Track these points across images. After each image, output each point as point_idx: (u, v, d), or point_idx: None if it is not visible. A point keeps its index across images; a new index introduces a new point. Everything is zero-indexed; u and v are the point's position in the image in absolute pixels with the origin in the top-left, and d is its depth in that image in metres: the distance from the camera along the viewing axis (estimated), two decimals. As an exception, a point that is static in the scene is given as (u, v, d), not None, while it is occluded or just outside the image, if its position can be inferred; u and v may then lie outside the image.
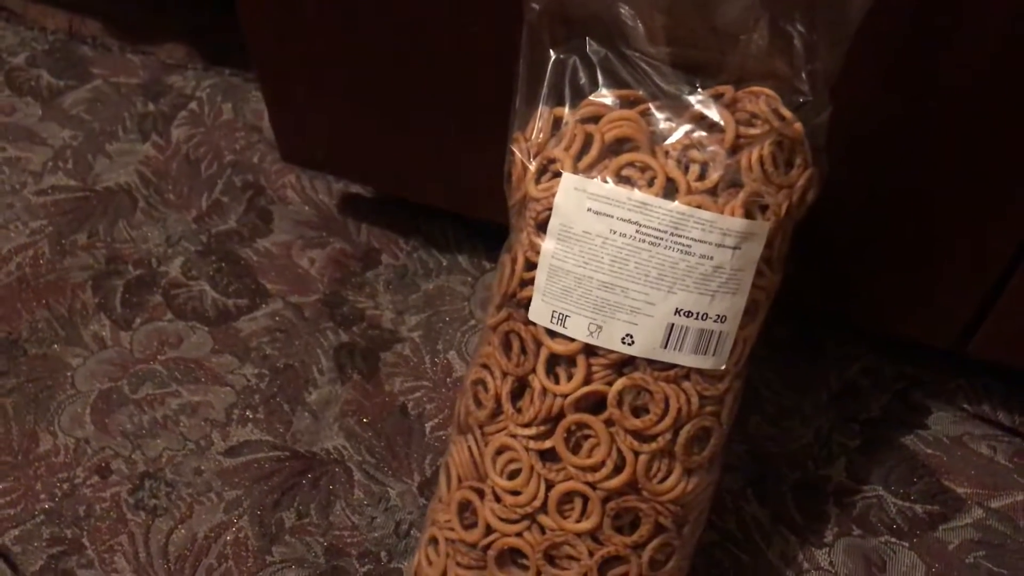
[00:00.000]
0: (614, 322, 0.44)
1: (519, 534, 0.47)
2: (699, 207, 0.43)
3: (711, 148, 0.44)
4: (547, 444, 0.46)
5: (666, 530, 0.48)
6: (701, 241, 0.43)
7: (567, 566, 0.47)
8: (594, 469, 0.46)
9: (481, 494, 0.49)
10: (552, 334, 0.45)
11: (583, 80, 0.46)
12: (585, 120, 0.46)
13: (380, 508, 0.63)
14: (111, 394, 0.69)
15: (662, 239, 0.43)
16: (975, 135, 0.51)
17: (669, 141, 0.44)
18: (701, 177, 0.44)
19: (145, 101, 0.91)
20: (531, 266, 0.46)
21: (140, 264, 0.78)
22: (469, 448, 0.49)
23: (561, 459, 0.46)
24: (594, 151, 0.45)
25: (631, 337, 0.44)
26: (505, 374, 0.47)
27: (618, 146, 0.45)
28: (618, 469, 0.46)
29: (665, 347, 0.44)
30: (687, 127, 0.44)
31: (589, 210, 0.44)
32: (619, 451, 0.46)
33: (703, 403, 0.46)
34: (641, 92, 0.45)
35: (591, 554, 0.47)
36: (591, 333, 0.45)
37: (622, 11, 0.43)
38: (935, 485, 0.65)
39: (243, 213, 0.81)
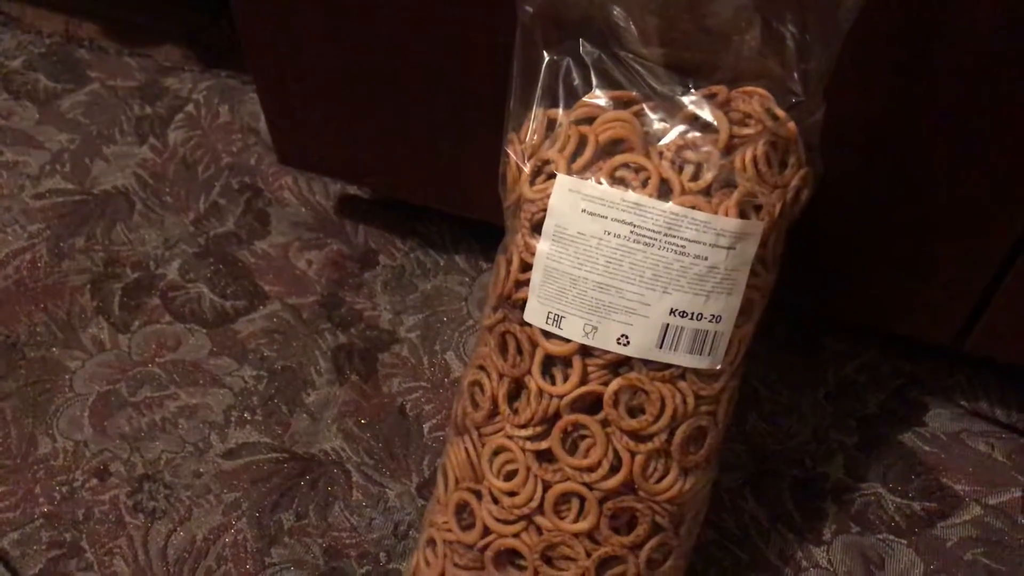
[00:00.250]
0: (609, 323, 0.44)
1: (516, 535, 0.48)
2: (693, 208, 0.43)
3: (705, 148, 0.44)
4: (544, 445, 0.46)
5: (663, 530, 0.48)
6: (695, 241, 0.43)
7: (564, 567, 0.47)
8: (591, 469, 0.46)
9: (478, 495, 0.49)
10: (548, 335, 0.46)
11: (577, 81, 0.46)
12: (579, 121, 0.46)
13: (379, 509, 0.64)
14: (110, 397, 0.69)
15: (656, 240, 0.43)
16: (969, 133, 0.51)
17: (663, 142, 0.44)
18: (695, 177, 0.44)
19: (142, 104, 0.91)
20: (526, 267, 0.46)
21: (138, 267, 0.78)
22: (466, 449, 0.49)
23: (558, 460, 0.46)
24: (588, 152, 0.45)
25: (626, 338, 0.44)
26: (501, 375, 0.48)
27: (612, 147, 0.45)
28: (615, 469, 0.46)
29: (660, 347, 0.44)
30: (681, 128, 0.44)
31: (584, 211, 0.44)
32: (615, 451, 0.46)
33: (699, 403, 0.46)
34: (635, 93, 0.45)
35: (588, 554, 0.47)
36: (586, 334, 0.45)
37: (614, 13, 0.43)
38: (933, 482, 0.65)
39: (240, 215, 0.81)
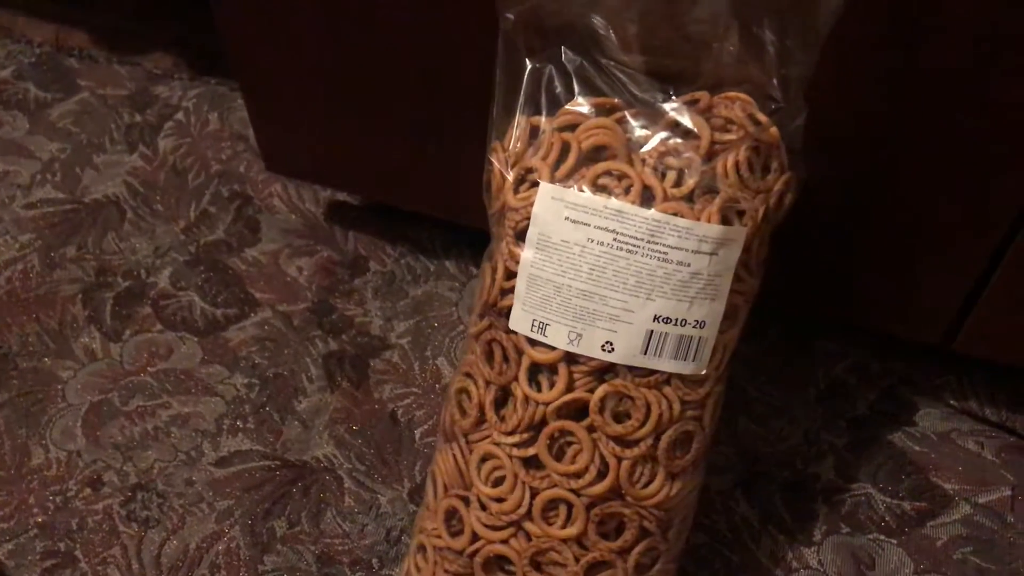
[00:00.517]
0: (594, 330, 0.44)
1: (505, 541, 0.48)
2: (675, 214, 0.43)
3: (687, 155, 0.44)
4: (530, 452, 0.47)
5: (651, 534, 0.48)
6: (678, 248, 0.43)
7: (553, 572, 0.47)
8: (577, 475, 0.46)
9: (467, 502, 0.49)
10: (533, 342, 0.46)
11: (559, 89, 0.46)
12: (562, 128, 0.46)
13: (371, 515, 0.64)
14: (102, 406, 0.70)
15: (639, 247, 0.43)
16: (954, 134, 0.51)
17: (645, 148, 0.44)
18: (678, 184, 0.44)
19: (132, 112, 0.91)
20: (511, 275, 0.46)
21: (129, 276, 0.78)
22: (454, 456, 0.50)
23: (545, 466, 0.46)
24: (571, 160, 0.45)
25: (611, 344, 0.44)
26: (488, 383, 0.48)
27: (596, 154, 0.45)
28: (601, 475, 0.46)
29: (645, 354, 0.45)
30: (663, 134, 0.45)
31: (567, 219, 0.44)
32: (602, 457, 0.46)
33: (684, 408, 0.46)
34: (617, 100, 0.46)
35: (577, 560, 0.47)
36: (571, 341, 0.45)
37: (595, 20, 0.43)
38: (923, 482, 0.65)
39: (231, 223, 0.81)
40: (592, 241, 0.44)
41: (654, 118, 0.45)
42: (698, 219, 0.43)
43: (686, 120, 0.44)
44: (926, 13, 0.47)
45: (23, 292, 0.77)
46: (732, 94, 0.46)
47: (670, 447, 0.46)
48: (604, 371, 0.45)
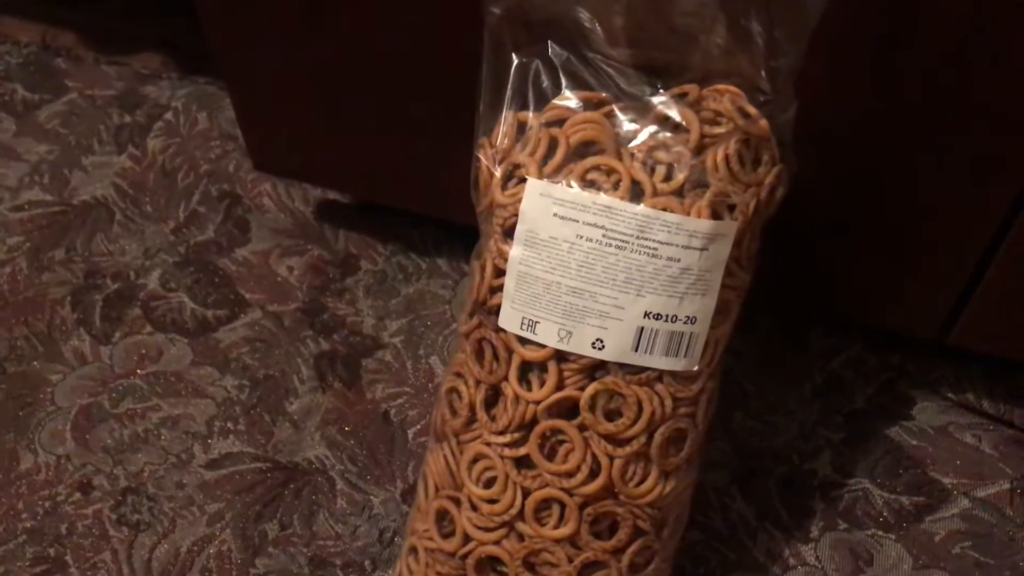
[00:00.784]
0: (584, 327, 0.44)
1: (497, 542, 0.47)
2: (665, 209, 0.43)
3: (676, 149, 0.44)
4: (522, 451, 0.46)
5: (645, 533, 0.48)
6: (667, 243, 0.43)
7: (546, 573, 0.47)
8: (569, 475, 0.45)
9: (458, 503, 0.48)
10: (523, 341, 0.45)
11: (546, 84, 0.45)
12: (550, 124, 0.45)
13: (363, 517, 0.63)
14: (91, 409, 0.69)
15: (628, 242, 0.43)
16: (945, 126, 0.51)
17: (634, 143, 0.44)
18: (667, 178, 0.44)
19: (121, 112, 0.90)
20: (500, 273, 0.46)
21: (118, 278, 0.77)
22: (445, 457, 0.49)
23: (536, 466, 0.46)
24: (559, 155, 0.44)
25: (601, 342, 0.44)
26: (478, 382, 0.47)
27: (584, 149, 0.44)
28: (593, 474, 0.45)
29: (636, 350, 0.44)
30: (652, 128, 0.44)
31: (555, 215, 0.43)
32: (594, 456, 0.45)
33: (677, 405, 0.46)
34: (605, 94, 0.45)
35: (570, 560, 0.47)
36: (561, 339, 0.44)
37: (580, 14, 0.43)
38: (921, 476, 0.65)
39: (220, 223, 0.81)
40: (581, 237, 0.43)
41: (642, 112, 0.44)
42: (688, 214, 0.43)
43: (675, 114, 0.44)
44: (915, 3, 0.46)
45: (11, 295, 0.76)
46: (721, 87, 0.45)
47: (663, 445, 0.46)
48: (595, 369, 0.45)
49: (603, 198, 0.43)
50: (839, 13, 0.44)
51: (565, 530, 0.46)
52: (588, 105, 0.45)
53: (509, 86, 0.46)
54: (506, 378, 0.46)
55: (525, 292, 0.44)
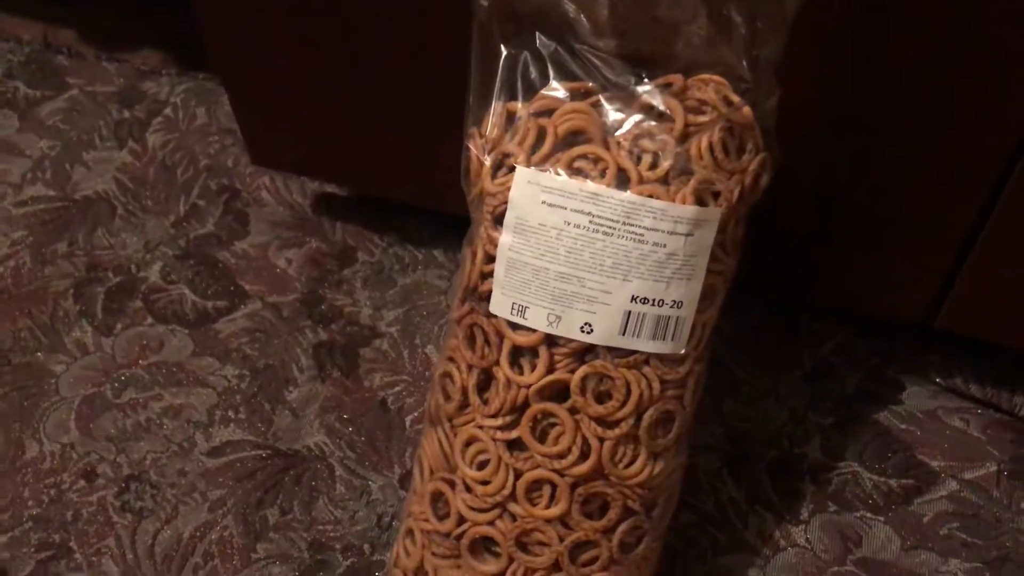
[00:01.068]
0: (572, 312, 0.45)
1: (490, 523, 0.48)
2: (650, 196, 0.44)
3: (661, 137, 0.45)
4: (514, 434, 0.47)
5: (635, 513, 0.49)
6: (653, 229, 0.44)
7: (538, 552, 0.48)
8: (560, 456, 0.47)
9: (452, 485, 0.49)
10: (513, 326, 0.46)
11: (534, 74, 0.46)
12: (538, 114, 0.46)
13: (362, 502, 0.64)
14: (95, 399, 0.70)
15: (615, 229, 0.44)
16: (924, 111, 0.52)
17: (620, 132, 0.45)
18: (653, 166, 0.45)
19: (121, 108, 0.91)
20: (490, 260, 0.47)
21: (120, 270, 0.78)
22: (439, 440, 0.50)
23: (528, 448, 0.47)
24: (547, 144, 0.45)
25: (590, 326, 0.45)
26: (471, 367, 0.48)
27: (572, 138, 0.45)
28: (584, 455, 0.46)
29: (624, 334, 0.45)
30: (637, 117, 0.45)
31: (543, 203, 0.45)
32: (584, 438, 0.46)
33: (665, 387, 0.47)
34: (592, 84, 0.46)
35: (562, 540, 0.48)
36: (551, 323, 0.45)
37: (566, 6, 0.44)
38: (909, 459, 0.66)
39: (220, 216, 0.82)
40: (569, 224, 0.44)
41: (628, 101, 0.45)
42: (673, 200, 0.44)
43: (660, 103, 0.45)
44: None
45: (15, 288, 0.77)
46: (706, 76, 0.46)
47: (651, 426, 0.47)
48: (584, 352, 0.46)
49: (590, 185, 0.44)
50: (816, 4, 0.45)
51: (556, 510, 0.47)
52: (575, 95, 0.46)
53: (498, 77, 0.47)
54: (498, 362, 0.47)
55: (515, 278, 0.46)
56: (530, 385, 0.46)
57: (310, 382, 0.71)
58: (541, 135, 0.45)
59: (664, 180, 0.44)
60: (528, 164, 0.45)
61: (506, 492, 0.47)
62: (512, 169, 0.46)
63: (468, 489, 0.49)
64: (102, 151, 0.88)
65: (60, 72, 0.96)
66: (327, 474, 0.66)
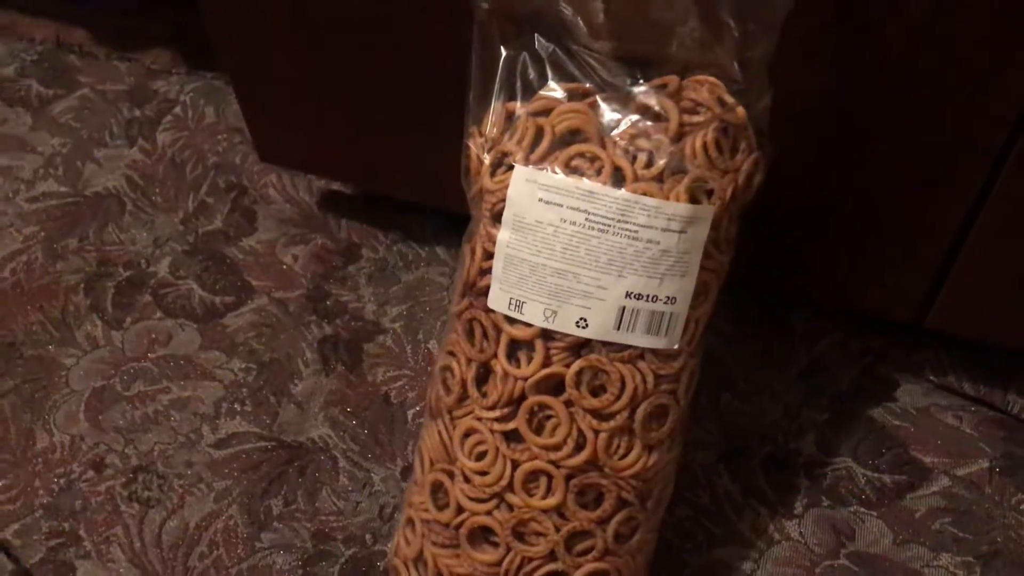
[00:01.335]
0: (568, 307, 0.46)
1: (488, 513, 0.49)
2: (645, 194, 0.45)
3: (656, 137, 0.46)
4: (511, 426, 0.48)
5: (630, 504, 0.50)
6: (647, 226, 0.45)
7: (535, 542, 0.49)
8: (556, 448, 0.48)
9: (452, 475, 0.51)
10: (511, 320, 0.47)
11: (533, 75, 0.48)
12: (536, 113, 0.47)
13: (364, 493, 0.66)
14: (104, 392, 0.72)
15: (610, 226, 0.45)
16: (914, 110, 0.52)
17: (616, 131, 0.46)
18: (648, 165, 0.46)
19: (131, 107, 0.93)
20: (489, 256, 0.48)
21: (130, 266, 0.80)
22: (439, 432, 0.51)
23: (525, 440, 0.48)
24: (545, 143, 0.46)
25: (585, 321, 0.46)
26: (469, 360, 0.49)
27: (569, 137, 0.47)
28: (579, 447, 0.48)
29: (618, 329, 0.46)
30: (633, 117, 0.46)
31: (540, 200, 0.46)
32: (579, 430, 0.47)
33: (659, 381, 0.48)
34: (589, 85, 0.47)
35: (557, 529, 0.49)
36: (547, 318, 0.46)
37: (563, 9, 0.45)
38: (903, 455, 0.67)
39: (228, 213, 0.83)
40: (565, 221, 0.45)
41: (624, 102, 0.46)
42: (667, 198, 0.45)
43: (655, 103, 0.46)
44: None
45: (27, 283, 0.79)
46: (701, 77, 0.47)
47: (646, 419, 0.48)
48: (580, 347, 0.47)
49: (586, 183, 0.45)
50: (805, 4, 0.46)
51: (552, 501, 0.48)
52: (573, 95, 0.47)
53: (498, 78, 0.48)
54: (495, 356, 0.48)
55: (512, 274, 0.47)
56: (527, 378, 0.47)
57: (315, 376, 0.72)
58: (539, 134, 0.47)
59: (659, 178, 0.45)
60: (526, 162, 0.46)
61: (504, 483, 0.48)
62: (511, 167, 0.47)
63: (467, 480, 0.50)
64: (112, 148, 0.90)
65: (72, 71, 0.97)
66: (330, 466, 0.67)
